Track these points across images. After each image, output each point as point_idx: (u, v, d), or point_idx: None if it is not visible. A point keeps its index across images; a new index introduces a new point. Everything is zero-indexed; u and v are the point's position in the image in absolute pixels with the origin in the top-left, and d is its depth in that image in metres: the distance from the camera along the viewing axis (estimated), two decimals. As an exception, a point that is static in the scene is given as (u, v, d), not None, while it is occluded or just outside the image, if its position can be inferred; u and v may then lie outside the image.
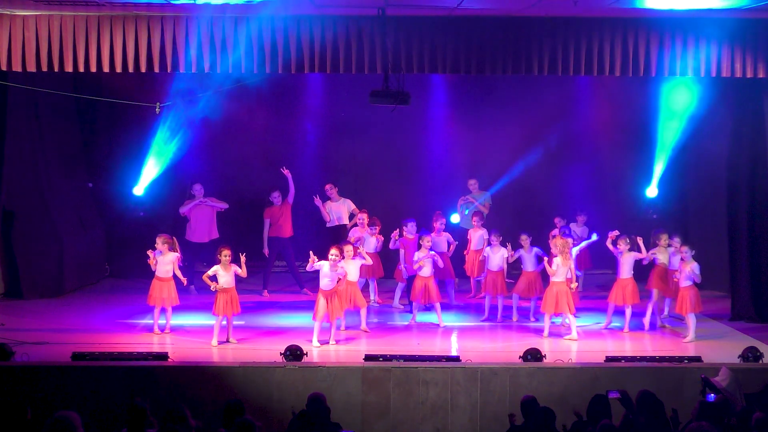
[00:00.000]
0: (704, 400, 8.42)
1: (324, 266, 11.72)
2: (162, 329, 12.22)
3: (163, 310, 12.28)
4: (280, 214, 14.78)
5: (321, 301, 11.67)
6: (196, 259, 14.91)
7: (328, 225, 14.92)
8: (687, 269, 12.04)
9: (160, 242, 12.15)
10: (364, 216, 14.03)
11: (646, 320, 12.69)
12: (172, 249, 12.25)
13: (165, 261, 12.14)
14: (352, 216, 14.77)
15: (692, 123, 14.63)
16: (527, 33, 11.78)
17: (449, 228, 14.38)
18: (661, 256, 12.82)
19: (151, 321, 12.32)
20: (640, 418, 7.96)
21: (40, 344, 11.42)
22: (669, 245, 12.89)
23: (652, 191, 15.66)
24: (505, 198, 15.86)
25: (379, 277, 14.28)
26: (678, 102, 14.63)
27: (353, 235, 13.88)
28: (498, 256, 13.12)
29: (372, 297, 14.08)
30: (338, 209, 14.88)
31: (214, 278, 11.72)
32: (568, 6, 10.84)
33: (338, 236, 14.26)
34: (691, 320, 12.08)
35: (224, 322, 11.79)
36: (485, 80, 15.15)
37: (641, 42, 11.81)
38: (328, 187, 14.98)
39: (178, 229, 14.99)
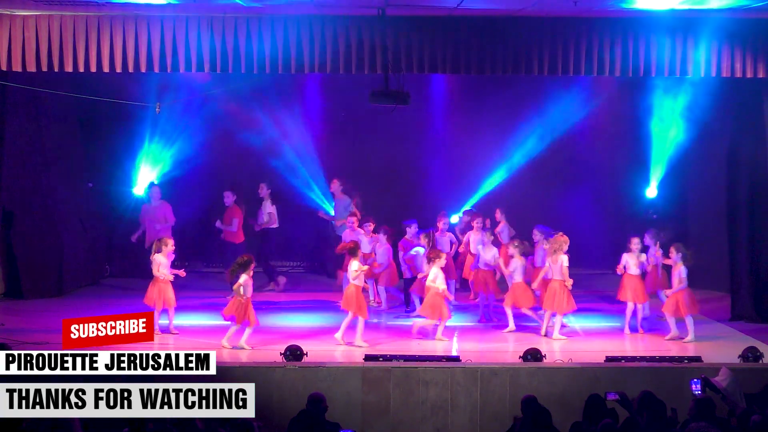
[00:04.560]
0: (698, 397, 8.41)
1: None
2: (163, 330, 12.17)
3: (164, 311, 12.24)
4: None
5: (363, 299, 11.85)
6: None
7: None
8: (679, 270, 11.99)
9: (170, 244, 12.14)
10: (354, 219, 14.05)
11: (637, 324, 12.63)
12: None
13: (168, 263, 12.15)
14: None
15: (692, 123, 14.63)
16: (527, 33, 11.79)
17: (451, 228, 14.39)
18: (633, 260, 12.57)
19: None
20: (641, 419, 7.96)
21: (40, 344, 11.40)
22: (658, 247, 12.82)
23: (651, 191, 15.67)
24: (505, 199, 15.83)
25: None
26: (678, 102, 14.64)
27: (345, 237, 13.87)
28: (489, 255, 13.10)
29: (371, 298, 14.06)
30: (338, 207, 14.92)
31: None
32: (568, 6, 10.85)
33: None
34: (689, 322, 12.04)
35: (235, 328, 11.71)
36: (486, 81, 15.15)
37: (641, 42, 11.82)
38: (335, 182, 14.93)
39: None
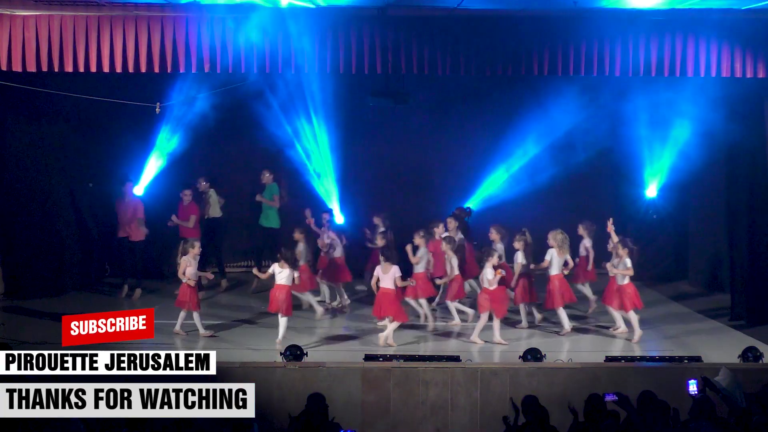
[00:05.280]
0: (696, 397, 8.41)
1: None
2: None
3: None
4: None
5: None
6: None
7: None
8: (624, 262, 11.99)
9: (197, 246, 12.18)
10: (325, 215, 14.10)
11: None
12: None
13: (195, 265, 12.15)
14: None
15: (692, 123, 14.61)
16: (527, 33, 11.79)
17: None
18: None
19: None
20: (642, 419, 7.96)
21: (40, 344, 11.41)
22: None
23: (651, 191, 15.66)
24: (504, 200, 15.82)
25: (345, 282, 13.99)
26: (678, 102, 14.61)
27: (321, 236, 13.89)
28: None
29: (337, 301, 13.91)
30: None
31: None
32: (568, 6, 10.85)
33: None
34: (634, 318, 12.03)
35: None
36: (486, 81, 15.10)
37: (641, 42, 11.83)
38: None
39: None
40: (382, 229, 13.66)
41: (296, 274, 11.85)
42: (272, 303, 11.74)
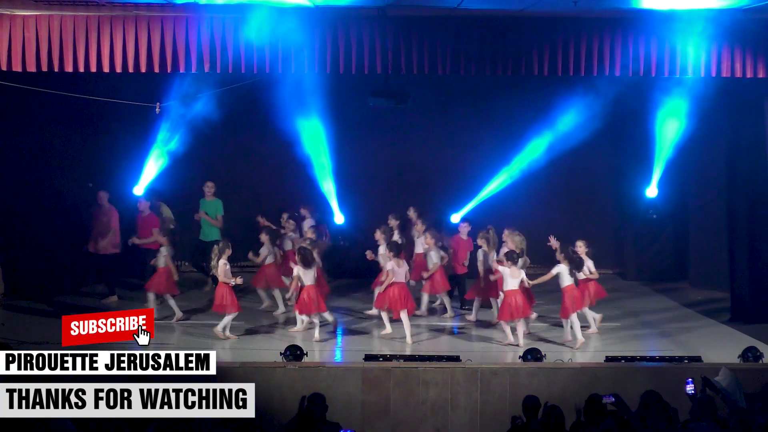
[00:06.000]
0: (695, 397, 8.41)
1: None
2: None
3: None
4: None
5: None
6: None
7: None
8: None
9: (230, 246, 12.18)
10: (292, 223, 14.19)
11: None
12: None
13: (229, 267, 12.16)
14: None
15: (692, 123, 14.61)
16: (527, 33, 11.79)
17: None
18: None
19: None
20: (641, 419, 7.97)
21: (40, 344, 11.40)
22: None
23: (651, 191, 15.65)
24: (504, 201, 15.81)
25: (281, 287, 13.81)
26: (678, 102, 14.61)
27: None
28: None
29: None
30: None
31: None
32: (568, 6, 10.85)
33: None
34: (576, 321, 11.88)
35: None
36: (487, 81, 15.11)
37: (641, 42, 11.82)
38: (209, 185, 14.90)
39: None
40: (311, 222, 14.05)
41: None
42: (305, 304, 11.88)
